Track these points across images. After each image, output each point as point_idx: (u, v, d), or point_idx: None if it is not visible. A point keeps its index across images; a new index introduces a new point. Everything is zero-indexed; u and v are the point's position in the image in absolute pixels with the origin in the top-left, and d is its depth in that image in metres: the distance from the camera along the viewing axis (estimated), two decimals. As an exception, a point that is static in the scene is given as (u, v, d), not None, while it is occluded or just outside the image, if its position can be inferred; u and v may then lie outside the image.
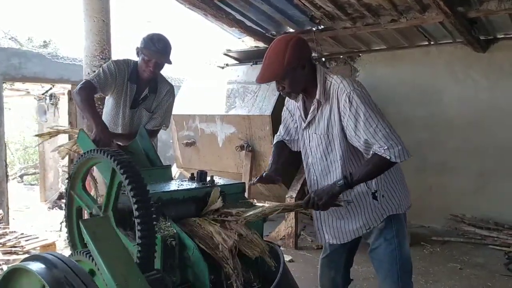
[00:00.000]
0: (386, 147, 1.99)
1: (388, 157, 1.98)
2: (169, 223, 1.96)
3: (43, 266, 1.17)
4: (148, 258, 1.76)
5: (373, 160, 2.04)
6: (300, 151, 2.44)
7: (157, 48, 2.95)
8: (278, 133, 2.53)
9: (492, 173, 5.60)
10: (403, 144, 2.02)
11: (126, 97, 3.11)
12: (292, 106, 2.39)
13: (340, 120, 2.11)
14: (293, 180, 5.29)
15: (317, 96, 2.16)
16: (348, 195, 2.20)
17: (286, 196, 5.13)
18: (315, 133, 2.23)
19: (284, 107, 2.48)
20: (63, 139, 9.32)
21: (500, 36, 5.54)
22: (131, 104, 3.12)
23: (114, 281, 1.40)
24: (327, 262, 2.45)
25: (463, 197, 5.75)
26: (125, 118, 3.15)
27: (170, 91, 3.24)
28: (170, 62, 3.04)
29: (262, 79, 2.17)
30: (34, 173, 11.58)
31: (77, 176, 2.01)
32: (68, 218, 2.08)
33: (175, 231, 1.92)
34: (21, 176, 11.83)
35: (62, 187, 9.17)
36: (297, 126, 2.39)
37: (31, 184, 11.15)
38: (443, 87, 5.91)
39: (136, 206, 1.69)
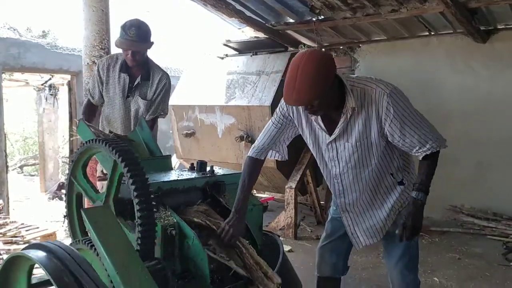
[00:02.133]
0: (435, 141, 2.06)
1: (439, 149, 2.08)
2: (169, 213, 1.98)
3: (44, 254, 1.18)
4: (148, 247, 1.78)
5: (430, 158, 2.10)
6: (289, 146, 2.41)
7: (129, 36, 2.95)
8: (257, 143, 2.35)
9: (491, 163, 5.61)
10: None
11: (120, 87, 3.15)
12: (296, 113, 2.25)
13: (380, 123, 2.06)
14: (293, 170, 5.31)
15: (352, 105, 2.06)
16: (376, 192, 2.24)
17: (286, 186, 5.15)
18: (347, 142, 2.16)
19: (279, 112, 2.29)
20: (62, 131, 9.29)
21: (501, 27, 5.51)
22: (126, 93, 3.14)
23: (115, 269, 1.41)
24: (330, 249, 2.46)
25: (462, 188, 5.76)
26: (122, 107, 3.17)
27: (163, 78, 3.23)
28: (147, 47, 3.04)
29: (298, 102, 2.00)
30: (34, 164, 11.59)
31: (78, 163, 2.01)
32: (68, 205, 2.09)
33: (175, 221, 1.93)
34: (21, 167, 11.85)
35: (62, 178, 9.20)
36: (306, 136, 2.29)
37: (31, 175, 11.17)
38: (443, 78, 5.89)
39: (135, 194, 1.71)
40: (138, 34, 2.96)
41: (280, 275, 2.75)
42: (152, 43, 3.07)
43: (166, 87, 3.24)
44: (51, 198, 8.26)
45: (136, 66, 3.10)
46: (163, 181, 2.08)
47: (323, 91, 1.94)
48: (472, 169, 5.72)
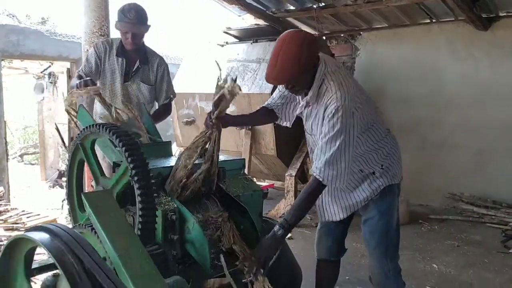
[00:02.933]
0: (321, 172, 2.03)
1: (320, 179, 2.04)
2: (169, 198, 1.98)
3: (46, 235, 1.19)
4: (149, 231, 1.79)
5: (306, 187, 2.10)
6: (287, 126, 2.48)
7: (129, 18, 2.97)
8: (269, 100, 2.48)
9: (491, 151, 5.61)
10: (342, 171, 2.03)
11: (117, 72, 3.15)
12: None
13: (322, 125, 2.10)
14: (293, 158, 5.32)
15: (308, 97, 2.15)
16: (351, 182, 2.26)
17: (286, 174, 5.17)
18: (311, 128, 2.24)
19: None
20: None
21: (502, 14, 5.48)
22: (124, 78, 3.14)
23: (116, 252, 1.42)
24: (325, 233, 2.54)
25: (462, 176, 5.77)
26: (120, 92, 3.17)
27: (162, 62, 3.26)
28: (145, 30, 3.07)
29: (277, 80, 2.11)
30: (34, 153, 11.59)
31: (87, 138, 2.01)
32: (69, 171, 2.10)
33: (175, 206, 1.94)
34: (21, 156, 11.84)
35: (63, 166, 9.20)
36: (295, 104, 2.37)
37: (31, 164, 11.17)
38: (444, 65, 5.87)
39: (136, 179, 1.71)
40: (137, 17, 2.98)
41: (279, 261, 2.78)
42: (149, 26, 3.08)
43: (167, 70, 3.28)
44: (51, 186, 8.28)
45: (133, 50, 3.10)
46: (164, 167, 2.08)
47: (301, 72, 2.02)
48: (472, 157, 5.72)
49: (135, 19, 2.97)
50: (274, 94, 2.43)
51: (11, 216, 4.28)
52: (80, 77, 3.02)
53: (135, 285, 1.34)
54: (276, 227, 2.04)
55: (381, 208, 2.27)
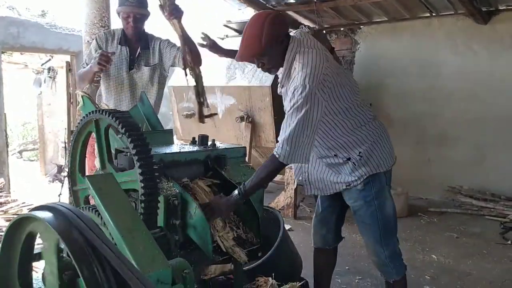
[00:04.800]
0: (280, 148, 2.03)
1: (278, 157, 2.04)
2: (171, 184, 1.99)
3: (51, 214, 1.20)
4: (151, 216, 1.80)
5: (266, 162, 2.11)
6: None
7: (130, 2, 3.01)
8: None
9: (490, 145, 5.63)
10: (301, 149, 2.02)
11: (122, 60, 3.15)
12: None
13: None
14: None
15: (279, 79, 2.21)
16: (319, 164, 2.31)
17: (286, 167, 5.17)
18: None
19: None
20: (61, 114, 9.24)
21: (502, 8, 5.49)
22: (129, 66, 3.15)
23: (120, 233, 1.43)
24: (319, 221, 2.57)
25: (461, 169, 5.80)
26: (127, 80, 3.17)
27: (164, 40, 3.21)
28: (148, 13, 3.11)
29: (242, 58, 2.20)
30: (33, 149, 11.57)
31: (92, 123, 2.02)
32: (74, 143, 2.12)
33: (177, 191, 1.95)
34: (20, 152, 11.83)
35: (62, 161, 9.20)
36: None
37: (30, 160, 11.15)
38: (444, 59, 5.89)
39: (139, 164, 1.72)
40: (138, 0, 3.01)
41: (280, 248, 2.81)
42: (150, 12, 3.11)
43: (171, 42, 3.20)
44: (51, 181, 8.28)
45: (135, 37, 3.11)
46: (165, 153, 2.09)
47: (263, 49, 2.09)
48: (471, 150, 5.75)
49: (136, 2, 3.01)
50: None
51: (11, 207, 4.29)
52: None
53: (139, 265, 1.35)
54: (235, 192, 2.02)
55: (367, 197, 2.25)
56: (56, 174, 8.62)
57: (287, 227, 4.44)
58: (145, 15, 3.11)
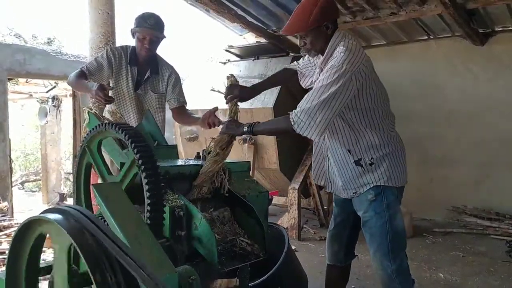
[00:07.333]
0: (297, 114, 2.08)
1: (292, 122, 2.09)
2: (176, 195, 2.01)
3: (61, 216, 1.21)
4: (157, 226, 1.81)
5: (281, 117, 2.20)
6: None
7: (149, 24, 3.03)
8: (294, 63, 2.66)
9: (492, 164, 5.64)
10: (315, 125, 2.06)
11: (128, 80, 3.15)
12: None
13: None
14: (295, 172, 5.34)
15: (319, 63, 2.25)
16: (332, 156, 2.36)
17: (289, 187, 5.18)
18: None
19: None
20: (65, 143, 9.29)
21: (499, 29, 5.59)
22: (135, 86, 3.17)
23: (127, 240, 1.44)
24: (331, 237, 2.55)
25: (464, 189, 5.79)
26: (132, 101, 3.18)
27: (172, 72, 3.29)
28: (164, 37, 3.14)
29: (286, 31, 2.26)
30: (35, 180, 11.55)
31: (94, 139, 2.05)
32: (77, 176, 2.13)
33: (182, 202, 1.96)
34: (22, 183, 11.78)
35: (64, 189, 9.19)
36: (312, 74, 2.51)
37: (32, 191, 11.10)
38: (443, 81, 5.96)
39: (145, 175, 1.75)
40: (156, 23, 3.05)
41: (286, 263, 2.79)
42: (165, 36, 3.14)
43: (179, 79, 3.33)
44: (54, 209, 8.24)
45: (145, 59, 3.13)
46: (171, 166, 2.12)
47: (308, 27, 2.15)
48: (474, 170, 5.75)
49: (155, 25, 3.04)
50: (300, 61, 2.62)
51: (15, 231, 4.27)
52: (82, 72, 3.02)
53: (146, 271, 1.35)
54: (245, 127, 2.26)
55: (378, 209, 2.24)
56: (59, 202, 8.60)
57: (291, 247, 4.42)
58: (161, 38, 3.14)
